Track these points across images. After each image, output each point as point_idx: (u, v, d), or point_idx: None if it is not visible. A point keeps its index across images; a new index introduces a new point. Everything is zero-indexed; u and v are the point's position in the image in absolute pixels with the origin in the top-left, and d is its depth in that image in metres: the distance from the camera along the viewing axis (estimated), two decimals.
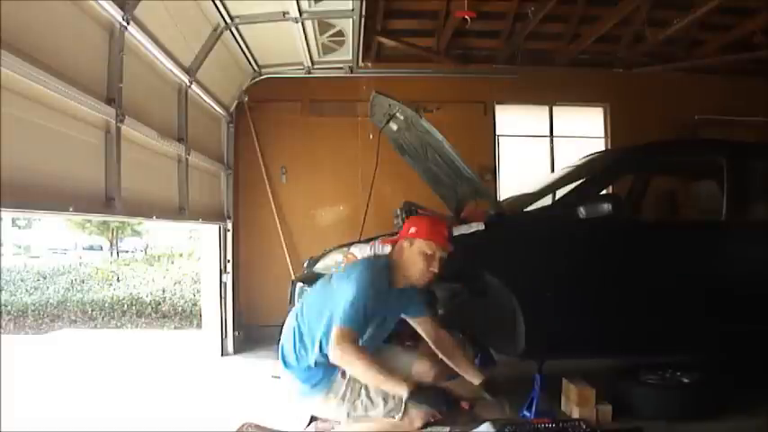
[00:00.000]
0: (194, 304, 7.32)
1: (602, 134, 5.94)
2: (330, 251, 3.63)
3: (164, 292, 8.04)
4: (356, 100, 5.21)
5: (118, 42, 2.76)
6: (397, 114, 3.35)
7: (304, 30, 4.21)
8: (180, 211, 3.81)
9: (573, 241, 3.17)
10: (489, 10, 5.02)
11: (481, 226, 3.03)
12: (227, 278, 4.99)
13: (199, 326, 5.97)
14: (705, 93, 5.68)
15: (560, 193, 3.57)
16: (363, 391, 2.15)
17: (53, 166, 2.29)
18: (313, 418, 3.05)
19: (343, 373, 2.15)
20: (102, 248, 21.35)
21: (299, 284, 3.64)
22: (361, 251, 3.38)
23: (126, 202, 2.75)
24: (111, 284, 8.78)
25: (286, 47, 4.60)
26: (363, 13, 3.99)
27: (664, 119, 5.38)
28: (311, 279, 3.61)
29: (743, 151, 3.58)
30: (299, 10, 3.87)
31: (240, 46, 4.43)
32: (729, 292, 3.19)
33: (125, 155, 2.77)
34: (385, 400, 2.12)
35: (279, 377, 3.59)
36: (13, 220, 23.50)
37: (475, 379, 2.35)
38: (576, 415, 3.07)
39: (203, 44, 3.88)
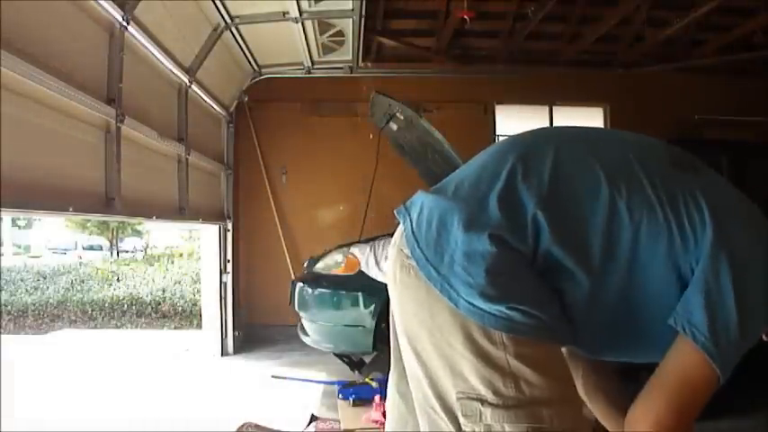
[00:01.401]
0: (194, 304, 7.32)
1: None
2: (330, 251, 3.64)
3: (164, 292, 8.04)
4: (356, 100, 5.21)
5: (118, 42, 2.76)
6: (397, 114, 3.36)
7: (304, 30, 4.21)
8: (180, 211, 3.82)
9: None
10: (489, 10, 5.01)
11: None
12: (227, 278, 4.99)
13: (199, 326, 5.97)
14: (705, 93, 5.68)
15: None
16: None
17: (53, 166, 2.29)
18: (313, 418, 3.06)
19: None
20: (102, 248, 21.38)
21: (299, 284, 3.65)
22: (361, 251, 3.39)
23: (126, 202, 2.75)
24: (111, 284, 8.79)
25: (286, 47, 4.61)
26: (363, 13, 3.99)
27: (664, 119, 5.38)
28: (311, 279, 3.63)
29: (743, 151, 3.59)
30: (299, 10, 3.87)
31: (240, 46, 4.43)
32: None
33: (125, 155, 2.77)
34: None
35: (280, 377, 3.60)
36: (13, 220, 23.54)
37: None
38: None
39: (203, 44, 3.88)
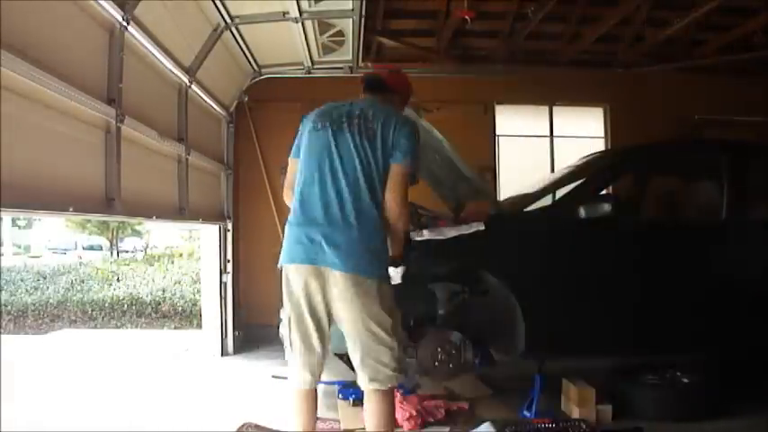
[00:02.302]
0: (194, 304, 7.32)
1: (602, 134, 5.94)
2: None
3: (164, 292, 8.04)
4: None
5: (118, 42, 2.76)
6: None
7: (304, 30, 4.21)
8: (180, 211, 3.81)
9: (573, 241, 3.18)
10: (489, 10, 5.01)
11: (481, 226, 3.03)
12: (227, 278, 4.99)
13: (199, 326, 5.97)
14: (705, 93, 5.68)
15: (560, 193, 3.57)
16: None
17: (53, 166, 2.29)
18: None
19: None
20: (102, 248, 21.38)
21: None
22: None
23: (126, 202, 2.75)
24: (111, 284, 8.79)
25: (286, 47, 4.60)
26: (363, 13, 3.99)
27: (664, 119, 5.38)
28: None
29: (743, 151, 3.59)
30: (299, 10, 3.87)
31: (240, 46, 4.43)
32: (729, 292, 3.19)
33: (125, 155, 2.77)
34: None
35: (280, 377, 3.58)
36: (13, 220, 23.55)
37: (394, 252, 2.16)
38: (576, 415, 3.07)
39: (203, 44, 3.88)
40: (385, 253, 2.08)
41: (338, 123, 2.13)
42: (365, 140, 2.05)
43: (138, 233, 21.07)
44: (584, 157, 4.12)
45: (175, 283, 8.57)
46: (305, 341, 2.11)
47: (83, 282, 8.98)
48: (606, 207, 3.07)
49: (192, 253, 12.29)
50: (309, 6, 3.87)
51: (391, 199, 2.06)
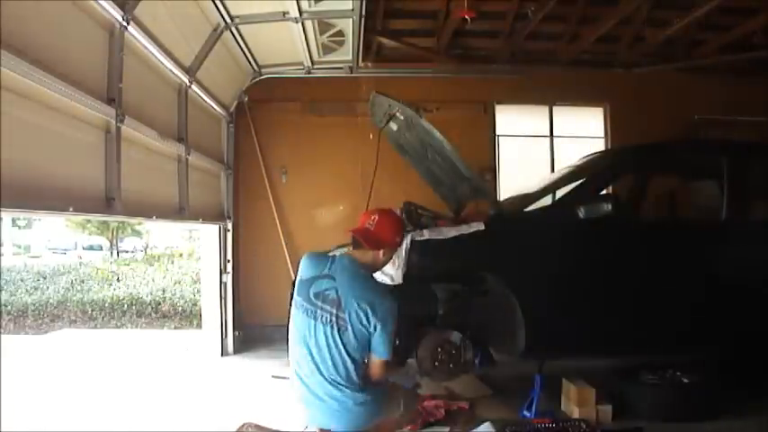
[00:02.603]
0: (194, 304, 7.33)
1: (602, 134, 5.94)
2: (330, 251, 3.63)
3: (164, 292, 8.04)
4: (356, 100, 5.21)
5: (118, 42, 2.76)
6: (397, 114, 3.35)
7: (304, 30, 4.21)
8: (180, 211, 3.81)
9: (573, 241, 3.18)
10: (489, 10, 5.01)
11: (481, 226, 3.03)
12: (227, 278, 4.99)
13: (199, 326, 5.98)
14: (705, 93, 5.68)
15: (560, 193, 3.57)
16: None
17: (53, 166, 2.29)
18: None
19: None
20: (102, 248, 21.37)
21: None
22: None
23: (126, 202, 2.75)
24: (111, 284, 8.79)
25: (286, 47, 4.61)
26: (363, 13, 3.99)
27: (664, 119, 5.38)
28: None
29: (743, 151, 3.59)
30: (299, 10, 3.87)
31: (240, 46, 4.43)
32: (729, 291, 3.19)
33: (125, 155, 2.77)
34: None
35: (280, 377, 3.58)
36: (13, 220, 23.52)
37: None
38: (576, 415, 3.08)
39: (203, 44, 3.88)
40: (358, 411, 2.18)
41: (314, 308, 2.23)
42: (336, 332, 2.18)
43: (138, 233, 21.05)
44: (584, 157, 4.12)
45: (175, 283, 8.58)
46: None
47: (83, 282, 8.99)
48: (606, 207, 3.07)
49: (191, 253, 12.30)
50: (309, 6, 3.87)
51: (371, 379, 2.25)
